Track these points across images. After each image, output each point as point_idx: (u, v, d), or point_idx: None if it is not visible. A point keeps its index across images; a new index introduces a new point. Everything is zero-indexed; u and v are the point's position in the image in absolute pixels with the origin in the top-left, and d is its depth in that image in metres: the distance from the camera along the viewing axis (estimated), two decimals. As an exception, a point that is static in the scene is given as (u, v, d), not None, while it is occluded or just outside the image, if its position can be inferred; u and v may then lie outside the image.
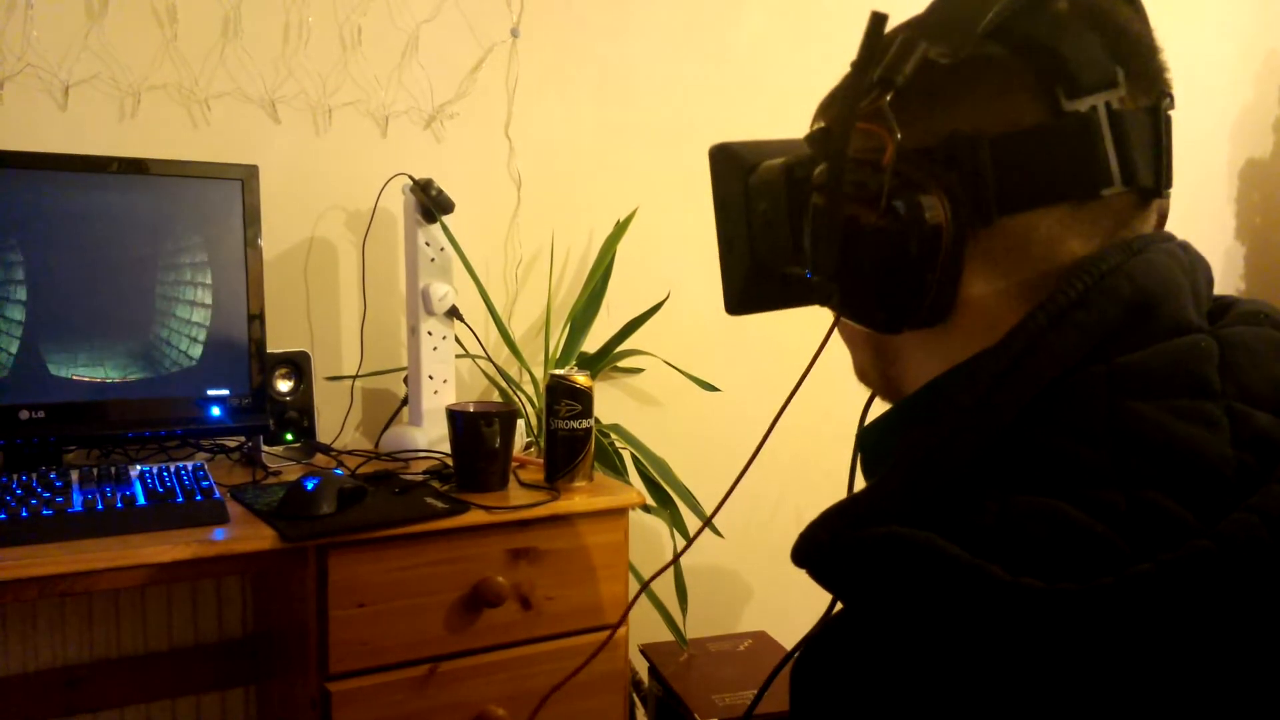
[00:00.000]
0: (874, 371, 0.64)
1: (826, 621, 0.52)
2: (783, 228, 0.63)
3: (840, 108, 0.54)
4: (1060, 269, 0.54)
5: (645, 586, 0.79)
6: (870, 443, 0.62)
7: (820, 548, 0.51)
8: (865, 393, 0.68)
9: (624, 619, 0.81)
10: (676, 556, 0.74)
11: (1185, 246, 0.57)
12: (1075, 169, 0.53)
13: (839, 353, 0.67)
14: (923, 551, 0.46)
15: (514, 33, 1.77)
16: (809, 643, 0.52)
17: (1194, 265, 0.56)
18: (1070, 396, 0.50)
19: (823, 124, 0.62)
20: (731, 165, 0.69)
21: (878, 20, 0.53)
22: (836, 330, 0.66)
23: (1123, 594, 0.42)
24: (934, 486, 0.50)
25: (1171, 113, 0.56)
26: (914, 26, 0.54)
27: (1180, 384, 0.49)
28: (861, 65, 0.53)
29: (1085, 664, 0.43)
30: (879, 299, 0.55)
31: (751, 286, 0.69)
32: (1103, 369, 0.50)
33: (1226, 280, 2.67)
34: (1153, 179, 0.55)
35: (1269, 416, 0.49)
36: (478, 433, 1.33)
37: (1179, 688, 0.43)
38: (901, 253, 0.53)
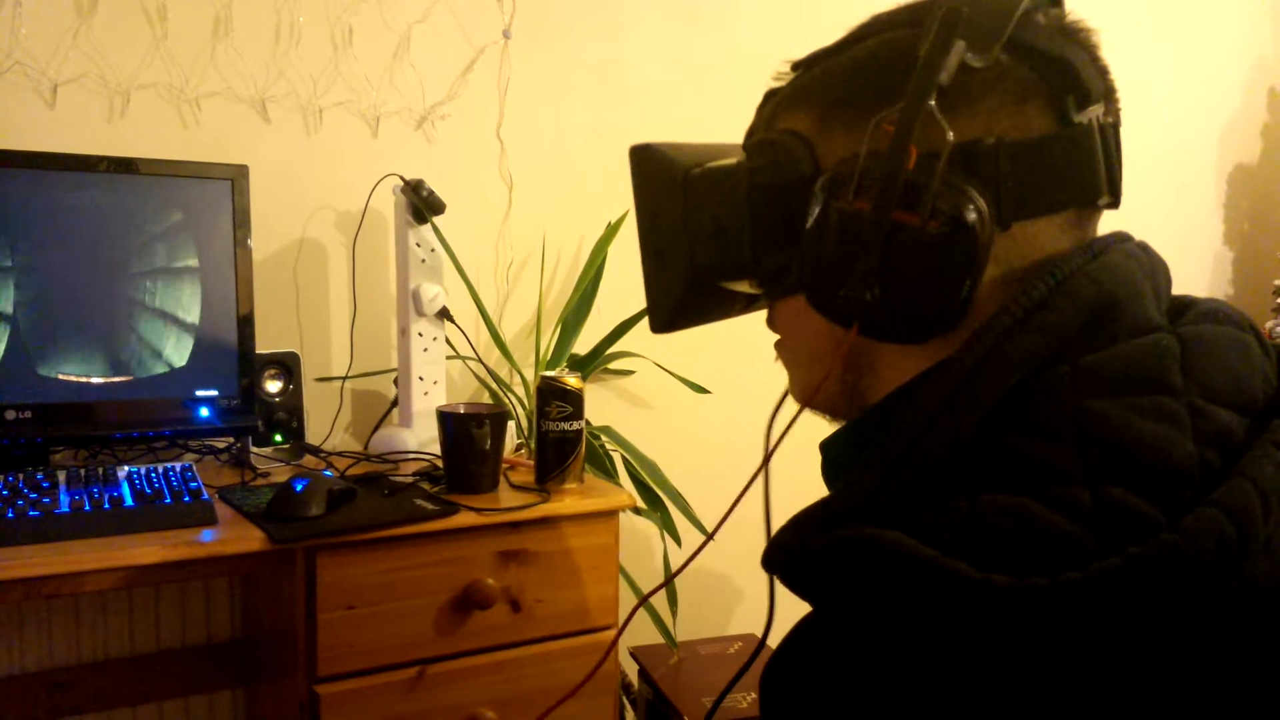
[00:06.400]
0: (837, 386, 0.60)
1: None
2: (739, 235, 0.59)
3: (906, 107, 0.51)
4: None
5: (644, 601, 0.77)
6: (834, 452, 0.61)
7: (789, 552, 0.51)
8: None
9: (622, 628, 0.80)
10: (674, 574, 0.73)
11: (1144, 247, 0.58)
12: (1081, 178, 0.55)
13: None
14: (890, 551, 0.46)
15: (506, 34, 1.77)
16: (778, 647, 0.52)
17: (1154, 265, 0.57)
18: (1035, 397, 0.50)
19: (790, 126, 0.59)
20: (662, 168, 0.63)
21: (951, 13, 0.51)
22: (784, 346, 0.64)
23: (1091, 589, 0.43)
24: (901, 489, 0.50)
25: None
26: (948, 17, 0.52)
27: (1143, 382, 0.50)
28: (931, 63, 0.51)
29: (1054, 658, 0.44)
30: (917, 307, 0.53)
31: (688, 301, 0.64)
32: (1066, 369, 0.50)
33: (1215, 285, 2.68)
34: (1119, 192, 0.57)
35: (1230, 413, 0.50)
36: (468, 434, 1.32)
37: (1147, 681, 0.44)
38: (946, 259, 0.51)
